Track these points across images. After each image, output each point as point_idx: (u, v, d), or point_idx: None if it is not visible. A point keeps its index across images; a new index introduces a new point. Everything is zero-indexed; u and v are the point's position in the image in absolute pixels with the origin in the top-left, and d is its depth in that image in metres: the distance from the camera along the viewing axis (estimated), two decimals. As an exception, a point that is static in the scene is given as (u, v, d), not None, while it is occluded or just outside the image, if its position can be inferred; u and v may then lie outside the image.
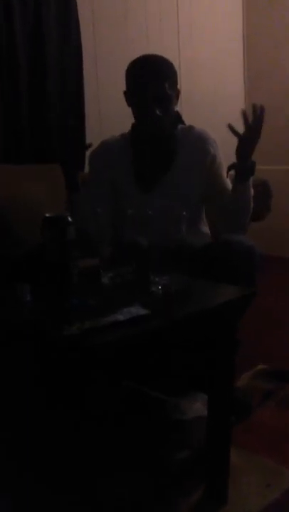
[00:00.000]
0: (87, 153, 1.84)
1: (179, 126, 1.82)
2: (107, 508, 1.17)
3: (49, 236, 1.33)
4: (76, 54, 2.50)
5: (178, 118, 1.84)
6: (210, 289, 1.34)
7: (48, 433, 1.24)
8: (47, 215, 1.34)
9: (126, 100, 1.75)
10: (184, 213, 1.30)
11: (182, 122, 1.87)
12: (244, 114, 1.67)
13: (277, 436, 1.58)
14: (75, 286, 1.31)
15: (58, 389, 1.16)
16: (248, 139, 1.68)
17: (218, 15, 3.35)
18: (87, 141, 2.51)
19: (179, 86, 1.75)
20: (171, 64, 1.72)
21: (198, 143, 1.78)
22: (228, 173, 1.74)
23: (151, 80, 1.65)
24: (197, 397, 1.63)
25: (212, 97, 3.24)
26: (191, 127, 1.82)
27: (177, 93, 1.74)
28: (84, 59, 2.53)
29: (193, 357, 1.42)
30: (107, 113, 2.69)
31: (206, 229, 1.87)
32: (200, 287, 1.35)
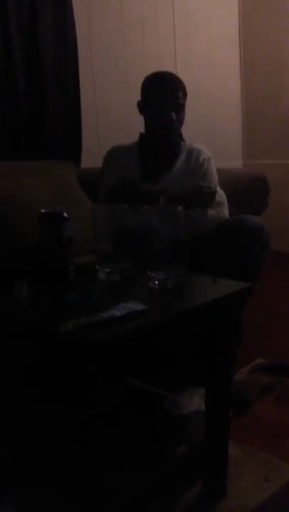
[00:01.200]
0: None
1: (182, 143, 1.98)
2: (106, 503, 1.17)
3: (46, 232, 1.32)
4: (72, 49, 2.49)
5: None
6: (207, 283, 1.34)
7: (46, 430, 1.25)
8: (43, 210, 1.34)
9: (139, 110, 1.94)
10: (180, 207, 1.30)
11: (182, 140, 2.03)
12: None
13: (275, 430, 1.59)
14: (71, 282, 1.31)
15: (56, 386, 1.15)
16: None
17: (214, 6, 3.34)
18: (83, 137, 2.54)
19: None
20: (182, 81, 1.92)
21: (194, 154, 1.93)
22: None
23: (169, 89, 1.87)
24: (195, 391, 1.63)
25: (209, 89, 3.24)
26: (191, 143, 1.98)
27: (184, 107, 1.91)
28: (79, 54, 2.52)
29: (190, 352, 1.42)
30: (104, 107, 2.68)
31: None
32: (197, 282, 1.35)
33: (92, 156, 2.32)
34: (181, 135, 1.98)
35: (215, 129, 3.16)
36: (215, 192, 1.80)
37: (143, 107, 1.94)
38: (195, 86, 3.00)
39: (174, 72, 2.00)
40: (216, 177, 1.92)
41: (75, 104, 2.52)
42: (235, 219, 1.75)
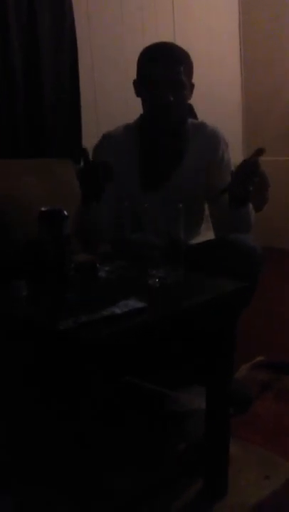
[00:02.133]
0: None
1: (190, 121, 1.72)
2: (106, 503, 1.17)
3: (45, 230, 1.32)
4: (71, 47, 2.48)
5: (190, 111, 1.76)
6: (207, 282, 1.33)
7: (46, 429, 1.24)
8: (42, 209, 1.33)
9: (135, 90, 1.66)
10: (180, 205, 1.29)
11: (194, 116, 1.79)
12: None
13: (275, 428, 1.59)
14: (71, 280, 1.31)
15: (55, 384, 1.15)
16: (242, 177, 1.47)
17: (214, 3, 3.33)
18: (83, 134, 2.53)
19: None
20: (188, 53, 1.63)
21: (209, 144, 1.69)
22: (221, 196, 1.55)
23: (166, 63, 1.55)
24: (195, 389, 1.63)
25: (209, 87, 3.23)
26: (202, 124, 1.72)
27: (192, 86, 1.64)
28: (79, 53, 2.51)
29: (191, 350, 1.42)
30: (103, 105, 2.68)
31: (208, 230, 1.81)
32: (197, 280, 1.34)
33: (91, 153, 2.31)
34: (189, 111, 1.70)
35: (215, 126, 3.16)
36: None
37: (138, 86, 1.64)
38: (195, 83, 3.01)
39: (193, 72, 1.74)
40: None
41: (74, 102, 2.52)
42: (227, 241, 1.53)
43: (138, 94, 1.66)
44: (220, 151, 1.69)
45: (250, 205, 1.58)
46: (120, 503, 1.25)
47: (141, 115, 1.72)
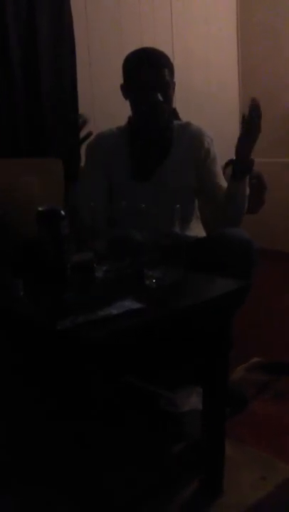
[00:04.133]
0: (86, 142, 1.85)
1: (175, 122, 1.83)
2: (103, 501, 1.17)
3: (43, 230, 1.32)
4: (69, 45, 2.48)
5: (174, 114, 1.85)
6: (204, 282, 1.34)
7: (46, 429, 1.24)
8: (40, 208, 1.33)
9: (123, 93, 1.76)
10: (178, 206, 1.29)
11: (178, 118, 1.88)
12: (243, 116, 1.64)
13: (272, 428, 1.59)
14: (68, 280, 1.31)
15: (53, 383, 1.15)
16: (247, 135, 1.64)
17: (212, 5, 3.34)
18: (81, 131, 2.53)
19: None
20: (168, 56, 1.75)
21: (194, 138, 1.79)
22: (225, 169, 1.73)
23: (152, 66, 1.68)
24: (192, 390, 1.63)
25: (206, 88, 3.24)
26: (188, 123, 1.83)
27: (173, 85, 1.75)
28: (77, 54, 2.52)
29: (187, 350, 1.42)
30: (101, 105, 2.68)
31: (198, 225, 1.87)
32: (194, 280, 1.34)
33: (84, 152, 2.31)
34: (174, 115, 1.82)
35: (213, 128, 3.13)
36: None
37: (126, 89, 1.75)
38: (192, 85, 3.02)
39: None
40: (219, 168, 1.81)
41: (72, 102, 2.52)
42: (222, 235, 1.60)
43: (126, 96, 1.77)
44: (205, 144, 1.79)
45: (247, 187, 1.72)
46: (120, 503, 1.25)
47: (129, 117, 1.82)
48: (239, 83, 3.58)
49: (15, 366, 1.22)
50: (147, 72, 1.67)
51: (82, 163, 1.94)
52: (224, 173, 1.75)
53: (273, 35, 3.42)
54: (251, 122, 1.61)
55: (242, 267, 1.49)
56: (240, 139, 1.65)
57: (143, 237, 1.33)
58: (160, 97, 1.67)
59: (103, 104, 2.68)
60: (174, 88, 1.75)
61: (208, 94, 3.25)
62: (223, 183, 1.79)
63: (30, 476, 1.31)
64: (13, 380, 1.24)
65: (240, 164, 1.67)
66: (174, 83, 1.74)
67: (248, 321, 1.78)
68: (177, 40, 3.06)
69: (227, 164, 1.69)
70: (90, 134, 1.75)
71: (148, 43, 2.55)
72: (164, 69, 1.69)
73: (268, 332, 2.22)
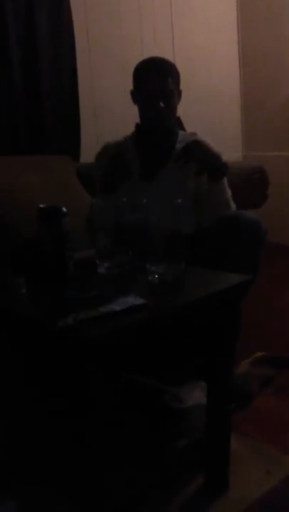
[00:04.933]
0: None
1: (181, 132, 1.91)
2: (107, 498, 1.18)
3: (44, 227, 1.32)
4: (69, 45, 2.48)
5: (179, 124, 1.95)
6: (207, 276, 1.33)
7: (46, 429, 1.25)
8: (41, 205, 1.33)
9: (132, 99, 1.87)
10: (179, 201, 1.29)
11: (182, 128, 1.97)
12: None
13: (276, 423, 1.59)
14: (70, 277, 1.31)
15: (55, 382, 1.15)
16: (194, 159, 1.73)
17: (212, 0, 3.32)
18: (82, 131, 2.53)
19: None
20: (175, 66, 1.85)
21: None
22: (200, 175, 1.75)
23: (156, 75, 1.78)
24: (196, 385, 1.63)
25: (207, 81, 3.22)
26: (193, 133, 1.89)
27: (179, 92, 1.83)
28: (77, 50, 2.51)
29: (191, 345, 1.42)
30: (102, 102, 2.67)
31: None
32: (197, 275, 1.34)
33: (90, 150, 2.31)
34: (178, 123, 1.90)
35: (214, 121, 3.15)
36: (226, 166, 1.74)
37: (135, 95, 1.87)
38: (193, 77, 3.00)
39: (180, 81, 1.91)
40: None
41: (73, 99, 2.51)
42: (231, 215, 1.68)
43: (135, 102, 1.87)
44: None
45: (226, 182, 1.77)
46: (120, 503, 1.25)
47: (136, 124, 1.91)
48: (240, 74, 3.56)
49: (15, 365, 1.22)
50: (153, 81, 1.78)
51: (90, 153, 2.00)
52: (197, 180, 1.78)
53: (274, 25, 3.40)
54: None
55: (250, 247, 1.58)
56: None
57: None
58: (162, 104, 1.77)
59: (104, 101, 2.68)
60: (179, 96, 1.84)
61: (209, 86, 3.23)
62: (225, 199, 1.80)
63: (30, 476, 1.31)
64: (13, 379, 1.24)
65: (212, 166, 1.72)
66: (179, 91, 1.83)
67: (251, 315, 1.77)
68: (177, 32, 3.05)
69: (198, 172, 1.73)
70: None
71: (148, 36, 2.55)
72: (168, 78, 1.78)
73: (272, 326, 2.21)
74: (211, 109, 3.14)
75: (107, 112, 2.68)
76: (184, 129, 1.98)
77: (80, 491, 1.11)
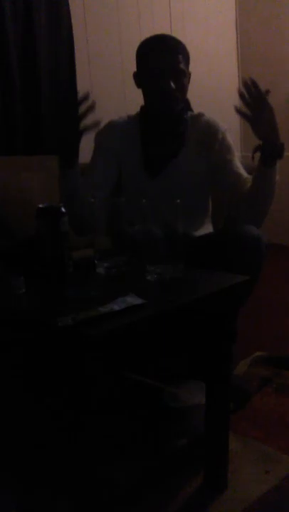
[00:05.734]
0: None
1: (189, 113, 1.77)
2: (105, 497, 1.18)
3: (43, 227, 1.32)
4: (67, 44, 2.48)
5: (187, 105, 1.79)
6: (206, 277, 1.33)
7: (45, 429, 1.24)
8: (40, 205, 1.33)
9: (136, 81, 1.70)
10: (179, 201, 1.28)
11: (190, 109, 1.82)
12: (241, 95, 1.56)
13: (275, 422, 1.59)
14: (69, 277, 1.31)
15: (55, 382, 1.15)
16: (257, 117, 1.54)
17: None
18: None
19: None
20: (184, 44, 1.68)
21: (207, 129, 1.73)
22: (253, 154, 1.59)
23: (165, 53, 1.61)
24: (196, 384, 1.63)
25: (206, 80, 3.22)
26: (200, 115, 1.77)
27: (189, 74, 1.68)
28: (76, 48, 2.51)
29: (190, 345, 1.41)
30: (101, 102, 2.66)
31: (209, 225, 1.82)
32: (196, 275, 1.34)
33: (89, 151, 2.30)
34: (186, 105, 1.74)
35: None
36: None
37: (138, 76, 1.69)
38: (192, 78, 2.99)
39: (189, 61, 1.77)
40: (235, 156, 1.71)
41: (71, 100, 2.51)
42: (232, 231, 1.55)
43: (139, 85, 1.69)
44: (219, 134, 1.72)
45: (277, 175, 1.60)
46: (119, 495, 1.25)
47: (141, 107, 1.75)
48: (239, 73, 3.56)
49: (14, 365, 1.22)
50: (160, 58, 1.60)
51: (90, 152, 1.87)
52: (253, 159, 1.60)
53: (273, 24, 3.40)
54: (255, 101, 1.53)
55: (251, 264, 1.46)
56: (252, 122, 1.56)
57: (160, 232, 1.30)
58: (173, 85, 1.60)
59: (103, 102, 2.67)
60: (189, 78, 1.68)
61: (208, 85, 3.23)
62: (244, 173, 1.69)
63: (30, 476, 1.31)
64: (13, 379, 1.24)
65: (268, 147, 1.55)
66: (189, 73, 1.67)
67: (250, 315, 1.77)
68: (176, 32, 3.04)
69: (256, 149, 1.56)
70: (97, 122, 1.59)
71: (146, 33, 2.53)
72: (178, 55, 1.61)
73: (271, 326, 2.21)
74: (210, 109, 3.13)
75: (106, 113, 2.67)
76: (191, 109, 1.81)
77: (79, 491, 1.11)
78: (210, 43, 3.32)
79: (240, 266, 1.35)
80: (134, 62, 1.73)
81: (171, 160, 1.70)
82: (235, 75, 3.55)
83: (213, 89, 3.26)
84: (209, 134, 1.72)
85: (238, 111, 1.55)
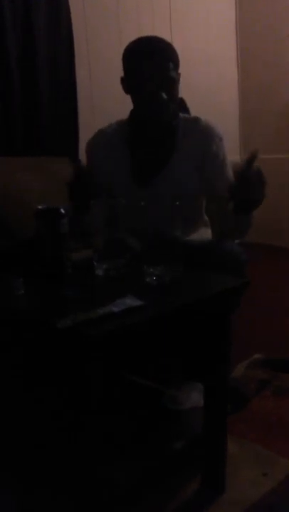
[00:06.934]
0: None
1: (182, 116, 1.71)
2: (105, 497, 1.18)
3: (42, 228, 1.32)
4: (67, 45, 2.48)
5: (181, 105, 1.74)
6: (204, 279, 1.33)
7: (46, 429, 1.24)
8: (39, 207, 1.33)
9: (123, 87, 1.64)
10: (178, 203, 1.29)
11: (186, 110, 1.77)
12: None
13: (273, 425, 1.59)
14: (68, 278, 1.31)
15: (53, 382, 1.15)
16: (242, 191, 1.45)
17: (211, 1, 3.32)
18: (80, 132, 2.53)
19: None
20: (172, 46, 1.61)
21: (202, 139, 1.66)
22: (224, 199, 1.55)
23: (155, 60, 1.53)
24: (194, 387, 1.63)
25: (205, 84, 3.22)
26: (196, 119, 1.70)
27: (178, 75, 1.61)
28: (75, 50, 2.51)
29: (188, 347, 1.41)
30: (100, 103, 2.67)
31: (205, 229, 1.78)
32: (194, 277, 1.34)
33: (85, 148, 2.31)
34: (180, 106, 1.69)
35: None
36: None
37: (127, 82, 1.61)
38: (192, 81, 2.99)
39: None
40: (229, 170, 1.62)
41: (71, 100, 2.51)
42: (211, 247, 1.55)
43: (127, 91, 1.63)
44: (213, 146, 1.66)
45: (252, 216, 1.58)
46: (118, 496, 1.25)
47: (131, 111, 1.70)
48: (238, 77, 3.57)
49: (14, 366, 1.22)
50: (152, 68, 1.52)
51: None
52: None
53: (273, 28, 3.41)
54: (246, 177, 1.43)
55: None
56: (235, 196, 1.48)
57: (138, 245, 1.30)
58: (164, 96, 1.55)
59: (102, 102, 2.68)
60: (179, 80, 1.61)
61: (208, 89, 3.24)
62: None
63: (30, 476, 1.31)
64: (13, 379, 1.23)
65: (241, 206, 1.51)
66: (178, 75, 1.60)
67: (247, 318, 1.78)
68: (176, 34, 3.05)
69: (230, 199, 1.50)
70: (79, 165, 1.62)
71: (147, 33, 2.53)
72: (169, 63, 1.54)
73: (267, 328, 2.21)
74: (209, 112, 3.14)
75: (106, 114, 2.66)
76: (188, 112, 1.76)
77: (79, 491, 1.11)
78: (210, 47, 3.32)
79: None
80: (123, 62, 1.66)
81: (161, 168, 1.65)
82: (235, 77, 3.55)
83: (212, 91, 3.26)
84: (204, 143, 1.66)
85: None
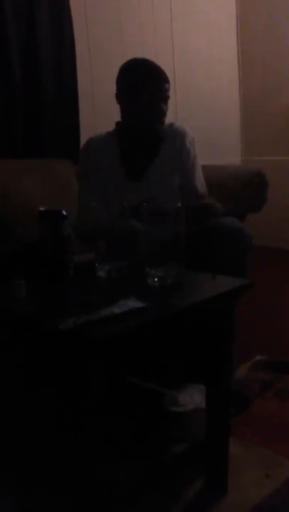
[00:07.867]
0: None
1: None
2: (105, 497, 1.17)
3: (44, 230, 1.32)
4: (69, 48, 2.49)
5: None
6: (206, 280, 1.33)
7: (46, 429, 1.24)
8: (41, 208, 1.33)
9: (118, 102, 1.83)
10: (179, 205, 1.29)
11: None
12: None
13: (275, 427, 1.59)
14: (70, 280, 1.31)
15: (55, 382, 1.15)
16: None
17: (211, 1, 3.33)
18: (82, 135, 2.53)
19: (172, 76, 1.87)
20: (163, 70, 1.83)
21: (177, 139, 1.86)
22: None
23: (155, 77, 1.78)
24: (196, 388, 1.63)
25: (207, 86, 3.23)
26: (171, 124, 1.89)
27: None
28: (77, 54, 2.51)
29: (191, 349, 1.41)
30: (102, 106, 2.68)
31: None
32: (196, 279, 1.34)
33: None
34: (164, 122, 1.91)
35: (213, 126, 3.15)
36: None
37: (125, 98, 1.83)
38: (193, 83, 3.01)
39: (171, 69, 1.95)
40: (199, 163, 1.88)
41: (72, 103, 2.52)
42: (215, 224, 1.65)
43: (121, 104, 1.83)
44: (187, 143, 1.87)
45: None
46: (119, 498, 1.25)
47: (117, 123, 1.89)
48: (239, 79, 3.57)
49: (15, 367, 1.22)
50: (154, 86, 1.77)
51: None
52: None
53: (273, 30, 3.41)
54: None
55: (235, 254, 1.56)
56: None
57: (140, 225, 1.33)
58: (164, 108, 1.78)
59: (104, 104, 2.67)
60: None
61: (209, 90, 3.24)
62: (200, 186, 1.86)
63: (30, 476, 1.31)
64: (14, 379, 1.24)
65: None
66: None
67: (250, 320, 1.78)
68: (177, 35, 3.06)
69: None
70: None
71: (148, 40, 2.54)
72: (166, 84, 1.79)
73: (270, 330, 2.21)
74: (211, 114, 3.15)
75: (107, 116, 2.67)
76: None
77: (79, 491, 1.11)
78: (211, 49, 3.32)
79: (224, 254, 1.48)
80: (122, 80, 1.82)
81: (148, 164, 1.83)
82: (236, 79, 3.56)
83: (213, 95, 3.27)
84: (178, 143, 1.86)
85: None
